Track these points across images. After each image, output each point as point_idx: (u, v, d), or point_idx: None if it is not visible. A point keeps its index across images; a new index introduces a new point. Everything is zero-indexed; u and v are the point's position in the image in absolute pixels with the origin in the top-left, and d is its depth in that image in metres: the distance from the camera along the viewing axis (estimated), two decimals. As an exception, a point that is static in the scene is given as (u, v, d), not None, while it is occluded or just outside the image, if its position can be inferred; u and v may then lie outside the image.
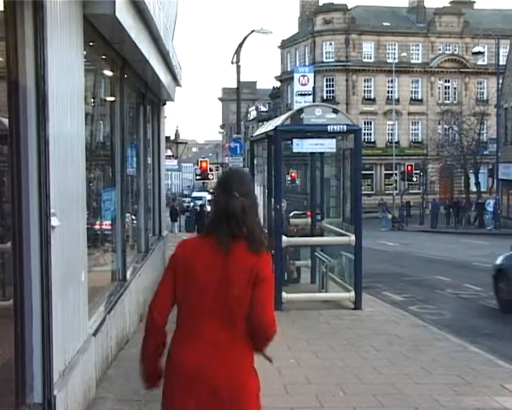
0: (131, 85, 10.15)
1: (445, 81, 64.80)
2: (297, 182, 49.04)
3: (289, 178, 44.85)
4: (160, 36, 9.01)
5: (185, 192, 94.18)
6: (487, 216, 41.62)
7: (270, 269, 3.21)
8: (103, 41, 7.33)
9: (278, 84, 73.19)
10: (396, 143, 58.27)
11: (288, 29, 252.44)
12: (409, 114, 63.78)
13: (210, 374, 3.06)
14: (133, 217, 10.82)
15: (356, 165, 11.68)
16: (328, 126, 11.07)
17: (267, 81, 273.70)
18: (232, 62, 28.86)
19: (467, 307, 13.25)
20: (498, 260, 13.03)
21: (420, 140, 63.59)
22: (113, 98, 8.62)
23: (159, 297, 3.25)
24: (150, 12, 7.62)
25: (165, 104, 14.91)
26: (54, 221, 4.74)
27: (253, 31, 29.67)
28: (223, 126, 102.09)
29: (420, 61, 64.21)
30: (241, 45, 29.22)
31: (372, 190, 60.63)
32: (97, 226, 7.96)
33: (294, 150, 11.85)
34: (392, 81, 59.17)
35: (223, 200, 3.18)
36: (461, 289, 15.19)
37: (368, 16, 63.33)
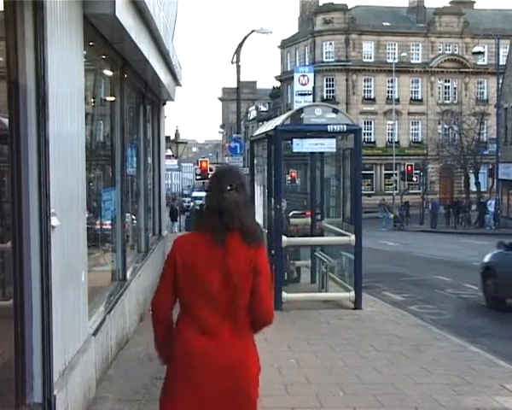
0: (131, 85, 10.15)
1: (445, 81, 64.79)
2: (297, 182, 49.11)
3: (289, 178, 44.92)
4: (160, 36, 9.01)
5: (185, 192, 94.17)
6: (488, 216, 41.65)
7: (267, 261, 3.39)
8: (103, 41, 7.33)
9: (278, 83, 73.18)
10: (396, 143, 58.24)
11: (288, 29, 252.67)
12: (409, 113, 63.77)
13: (212, 358, 3.20)
14: (133, 217, 10.83)
15: (356, 165, 11.67)
16: (328, 126, 11.07)
17: (267, 81, 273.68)
18: (232, 62, 28.89)
19: (467, 307, 13.27)
20: (486, 259, 13.28)
21: (420, 140, 63.57)
22: (113, 98, 8.62)
23: (161, 295, 3.37)
24: (150, 12, 7.63)
25: (165, 104, 14.91)
26: (54, 221, 4.74)
27: (253, 31, 29.70)
28: (223, 126, 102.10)
29: (420, 61, 64.19)
30: (241, 45, 29.24)
31: (372, 190, 60.60)
32: (97, 226, 7.96)
33: (294, 150, 11.85)
34: (392, 81, 59.15)
35: (215, 196, 3.29)
36: (461, 289, 15.20)
37: (368, 16, 63.32)
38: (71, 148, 5.50)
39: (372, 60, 63.08)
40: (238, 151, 29.25)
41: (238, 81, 29.43)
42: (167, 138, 24.19)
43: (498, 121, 43.07)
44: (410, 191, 54.15)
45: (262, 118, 67.54)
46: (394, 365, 7.79)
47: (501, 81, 42.93)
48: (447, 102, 63.01)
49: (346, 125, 11.20)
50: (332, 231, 12.89)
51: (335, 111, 11.56)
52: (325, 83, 61.91)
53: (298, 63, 61.13)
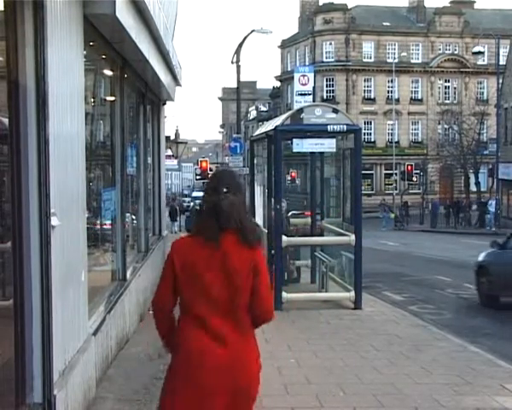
0: (131, 85, 10.15)
1: (445, 81, 64.78)
2: (297, 182, 49.14)
3: (289, 178, 44.96)
4: (160, 36, 9.02)
5: (185, 192, 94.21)
6: (489, 216, 41.65)
7: (265, 262, 3.47)
8: (103, 41, 7.33)
9: (278, 83, 73.17)
10: (396, 142, 58.25)
11: (288, 29, 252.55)
12: (409, 113, 63.77)
13: (213, 358, 3.22)
14: (133, 217, 10.83)
15: (356, 165, 11.68)
16: (328, 126, 11.07)
17: (267, 81, 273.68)
18: (232, 62, 28.87)
19: (467, 306, 13.27)
20: (480, 257, 13.49)
21: (420, 140, 63.57)
22: (113, 98, 8.62)
23: (161, 295, 3.40)
24: (150, 12, 7.63)
25: (165, 104, 14.91)
26: (54, 221, 4.74)
27: (252, 31, 29.69)
28: (223, 126, 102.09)
29: (420, 61, 64.19)
30: (241, 45, 29.23)
31: (372, 189, 60.60)
32: (97, 226, 7.96)
33: (294, 150, 11.85)
34: (392, 81, 59.15)
35: (211, 199, 3.33)
36: (461, 289, 15.21)
37: (368, 16, 63.31)
38: (71, 148, 5.50)
39: (372, 60, 63.07)
40: (238, 151, 29.23)
41: (238, 81, 29.42)
42: (167, 138, 24.18)
43: (498, 121, 43.04)
44: (410, 191, 54.14)
45: (262, 118, 67.50)
46: (394, 365, 7.79)
47: (501, 81, 42.92)
48: (447, 102, 62.97)
49: (346, 125, 11.20)
50: (332, 231, 12.89)
51: (335, 111, 11.56)
52: (325, 83, 61.91)
53: (298, 63, 61.11)
